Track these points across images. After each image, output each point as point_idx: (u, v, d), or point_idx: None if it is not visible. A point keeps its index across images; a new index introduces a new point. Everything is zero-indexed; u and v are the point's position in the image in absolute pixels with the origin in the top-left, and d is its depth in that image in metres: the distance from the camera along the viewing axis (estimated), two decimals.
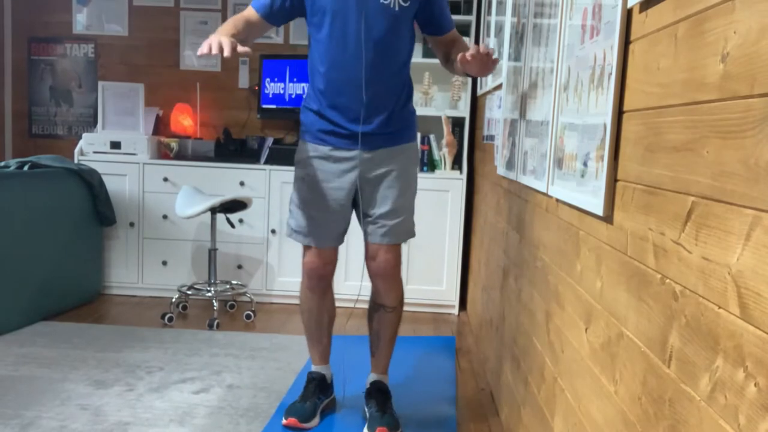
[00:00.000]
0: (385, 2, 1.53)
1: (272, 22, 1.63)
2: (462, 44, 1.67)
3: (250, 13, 1.61)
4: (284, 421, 1.66)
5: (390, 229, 1.66)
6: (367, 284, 1.77)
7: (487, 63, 1.45)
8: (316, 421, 1.69)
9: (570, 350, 1.16)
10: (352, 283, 2.88)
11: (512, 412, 1.66)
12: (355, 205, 1.70)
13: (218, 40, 1.37)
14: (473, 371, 2.25)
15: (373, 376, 1.78)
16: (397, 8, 1.54)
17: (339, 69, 1.57)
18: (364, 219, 1.69)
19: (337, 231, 1.70)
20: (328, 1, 1.54)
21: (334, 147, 1.64)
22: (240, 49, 1.38)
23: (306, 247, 1.70)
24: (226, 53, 1.36)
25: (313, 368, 1.80)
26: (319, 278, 1.72)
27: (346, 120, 1.61)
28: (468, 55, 1.42)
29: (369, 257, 1.69)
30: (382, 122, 1.61)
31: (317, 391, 1.75)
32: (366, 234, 1.70)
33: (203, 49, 1.38)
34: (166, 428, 1.65)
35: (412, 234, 1.76)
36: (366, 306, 1.86)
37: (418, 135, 3.00)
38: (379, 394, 1.72)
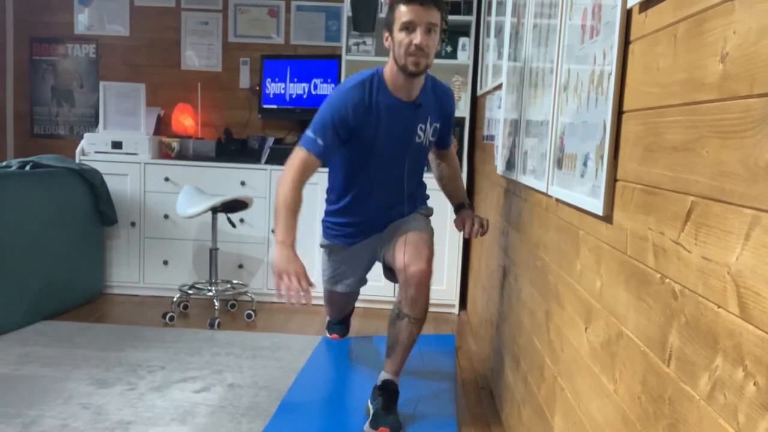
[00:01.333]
0: (419, 141, 1.78)
1: (326, 162, 1.76)
2: (453, 163, 1.99)
3: (306, 159, 1.63)
4: None
5: (412, 226, 1.81)
6: (380, 285, 1.80)
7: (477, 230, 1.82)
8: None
9: (570, 349, 1.16)
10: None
11: (512, 411, 1.66)
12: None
13: (297, 286, 1.53)
14: (473, 370, 2.25)
15: (385, 374, 1.77)
16: (427, 143, 1.82)
17: (377, 193, 1.81)
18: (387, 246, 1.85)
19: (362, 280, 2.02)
20: (371, 142, 1.70)
21: (355, 242, 1.91)
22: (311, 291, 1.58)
23: (329, 295, 2.09)
24: (306, 301, 1.53)
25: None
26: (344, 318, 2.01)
27: (372, 226, 1.87)
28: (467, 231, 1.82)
29: (403, 265, 1.70)
30: (406, 213, 1.88)
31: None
32: (391, 248, 1.78)
33: (286, 298, 1.54)
34: (167, 427, 1.66)
35: (431, 241, 1.84)
36: (380, 306, 1.90)
37: None
38: (387, 393, 1.71)
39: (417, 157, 1.81)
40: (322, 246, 2.00)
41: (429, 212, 1.97)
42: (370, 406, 1.72)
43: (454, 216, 2.95)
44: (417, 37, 1.57)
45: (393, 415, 1.66)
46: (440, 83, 1.84)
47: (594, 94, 1.05)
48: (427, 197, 1.99)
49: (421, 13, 1.57)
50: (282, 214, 1.59)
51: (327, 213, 1.93)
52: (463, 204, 1.93)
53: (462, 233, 1.93)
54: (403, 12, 1.59)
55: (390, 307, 1.86)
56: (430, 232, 1.83)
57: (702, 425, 0.66)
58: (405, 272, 1.68)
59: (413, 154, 1.78)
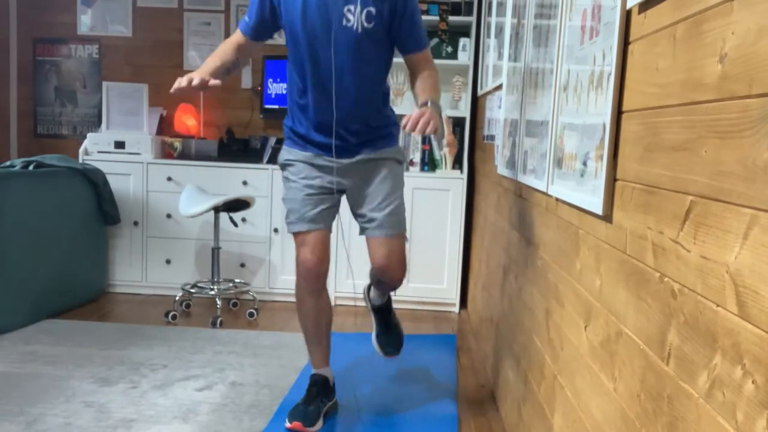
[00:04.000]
0: (348, 25, 1.58)
1: (257, 38, 1.72)
2: (424, 75, 1.65)
3: (236, 36, 1.72)
4: (288, 425, 1.65)
5: (383, 221, 1.68)
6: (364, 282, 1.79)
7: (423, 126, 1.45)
8: (320, 424, 1.69)
9: (569, 348, 1.17)
10: (354, 281, 2.89)
11: (512, 408, 1.67)
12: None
13: (189, 76, 1.50)
14: (474, 368, 2.25)
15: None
16: (361, 30, 1.58)
17: (311, 89, 1.64)
18: (358, 218, 1.74)
19: (324, 211, 1.70)
20: (297, 25, 1.60)
21: (313, 154, 1.70)
22: (211, 82, 1.54)
23: (299, 247, 1.71)
24: (195, 83, 1.50)
25: (314, 371, 1.80)
26: (315, 278, 1.70)
27: (322, 134, 1.67)
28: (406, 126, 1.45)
29: (372, 255, 1.71)
30: (359, 134, 1.67)
31: (320, 394, 1.74)
32: (363, 230, 1.72)
33: (177, 84, 1.51)
34: (169, 425, 1.67)
35: (403, 227, 1.75)
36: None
37: (411, 135, 3.00)
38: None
39: (352, 48, 1.58)
40: (280, 165, 1.77)
41: (397, 158, 1.73)
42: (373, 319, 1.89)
43: (453, 216, 2.99)
44: None
45: (394, 333, 1.76)
46: None
47: (594, 95, 1.05)
48: (393, 132, 1.75)
49: None
50: (208, 59, 1.67)
51: (285, 123, 1.78)
52: (426, 102, 1.58)
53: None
54: None
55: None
56: (400, 204, 1.70)
57: (701, 423, 0.66)
58: (381, 275, 1.73)
59: (344, 42, 1.58)
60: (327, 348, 1.80)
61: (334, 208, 1.73)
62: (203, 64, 1.64)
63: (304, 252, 1.69)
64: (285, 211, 1.73)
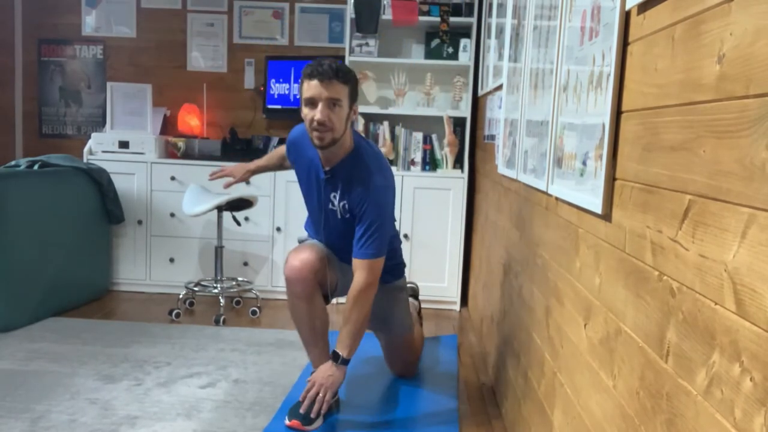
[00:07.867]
0: (333, 209, 1.74)
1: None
2: (349, 309, 1.68)
3: (283, 148, 1.97)
4: (287, 422, 1.66)
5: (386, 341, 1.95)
6: None
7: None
8: (319, 422, 1.69)
9: (569, 345, 1.17)
10: None
11: (513, 406, 1.68)
12: None
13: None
14: (474, 366, 2.26)
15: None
16: (347, 216, 1.72)
17: (315, 230, 1.86)
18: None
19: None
20: (302, 186, 1.82)
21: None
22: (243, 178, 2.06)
23: (289, 257, 1.77)
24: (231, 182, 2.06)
25: (314, 371, 1.79)
26: (300, 282, 1.71)
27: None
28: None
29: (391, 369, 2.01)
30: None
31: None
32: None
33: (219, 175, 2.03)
34: (173, 422, 1.68)
35: (408, 330, 1.98)
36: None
37: (412, 136, 3.01)
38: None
39: (342, 228, 1.74)
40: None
41: (400, 289, 1.92)
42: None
43: (454, 215, 3.00)
44: (317, 114, 1.58)
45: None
46: (372, 171, 1.67)
47: (593, 95, 1.06)
48: (401, 267, 1.93)
49: (320, 89, 1.57)
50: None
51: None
52: (337, 356, 1.68)
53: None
54: (305, 88, 1.60)
55: None
56: (404, 327, 1.94)
57: (699, 420, 0.67)
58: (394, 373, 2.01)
59: (334, 222, 1.75)
60: (324, 349, 1.79)
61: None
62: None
63: (290, 258, 1.74)
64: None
